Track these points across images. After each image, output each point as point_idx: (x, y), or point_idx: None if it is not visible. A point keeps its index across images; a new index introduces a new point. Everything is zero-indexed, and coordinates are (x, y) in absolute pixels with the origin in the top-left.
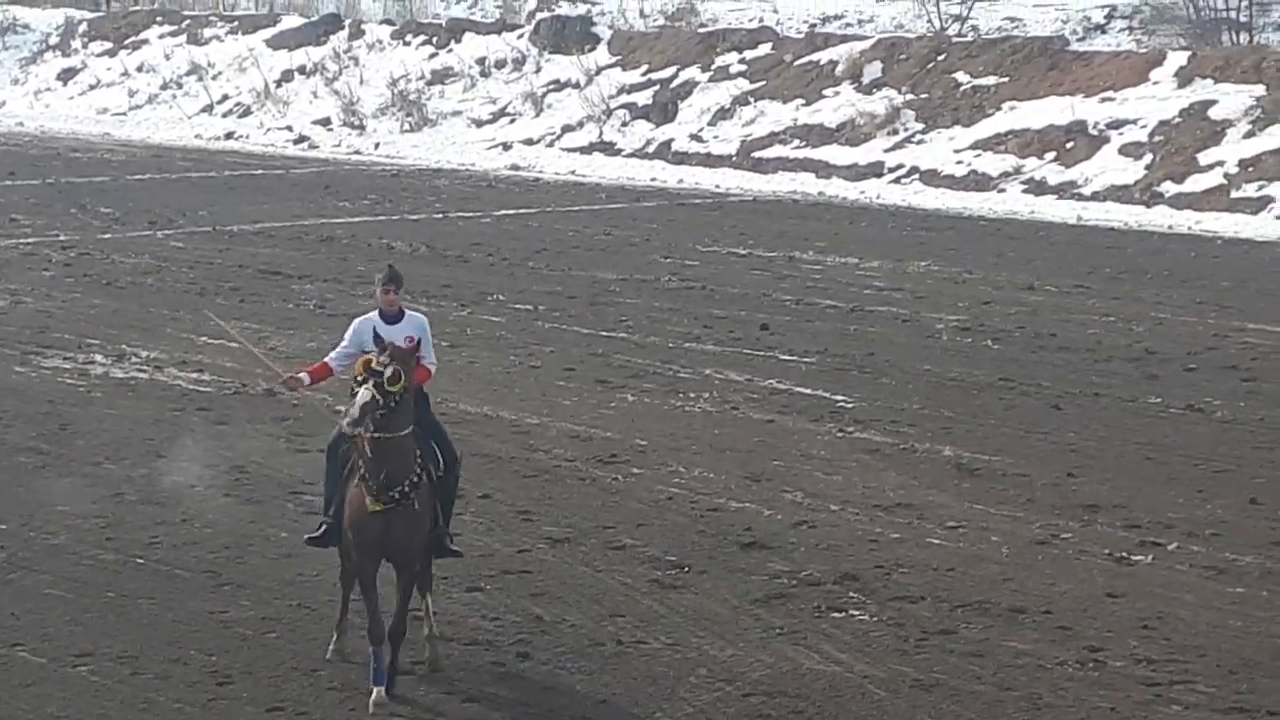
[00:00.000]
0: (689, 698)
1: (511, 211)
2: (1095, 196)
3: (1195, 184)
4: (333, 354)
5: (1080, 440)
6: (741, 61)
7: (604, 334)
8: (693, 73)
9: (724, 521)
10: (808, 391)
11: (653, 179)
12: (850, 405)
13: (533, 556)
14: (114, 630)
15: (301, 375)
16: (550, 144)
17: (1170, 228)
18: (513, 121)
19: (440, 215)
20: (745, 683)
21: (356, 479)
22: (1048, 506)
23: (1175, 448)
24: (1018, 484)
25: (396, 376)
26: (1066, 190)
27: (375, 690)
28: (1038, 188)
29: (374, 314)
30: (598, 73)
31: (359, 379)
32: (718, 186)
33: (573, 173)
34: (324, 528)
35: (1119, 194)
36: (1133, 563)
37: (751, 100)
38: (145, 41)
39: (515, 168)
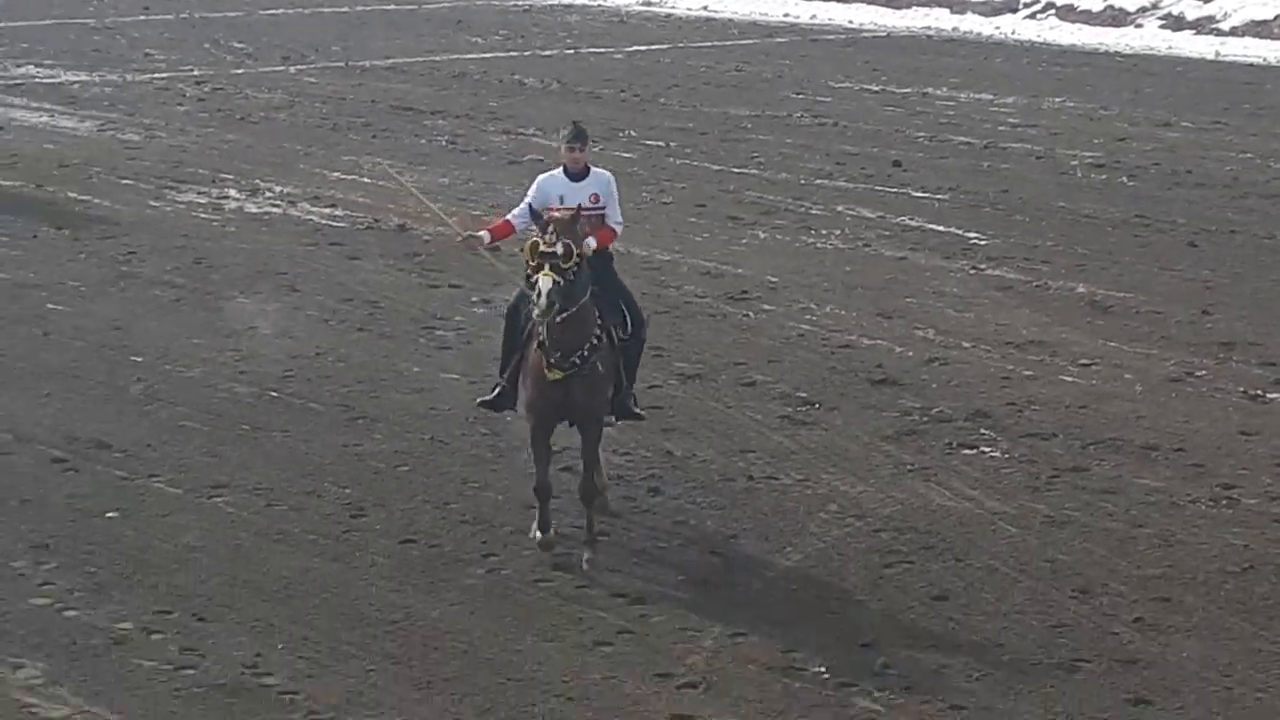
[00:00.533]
0: (819, 533)
1: (643, 47)
2: (1234, 32)
3: None
4: (515, 211)
5: (1216, 277)
6: None
7: (735, 170)
8: None
9: (855, 358)
10: (940, 229)
11: (785, 15)
12: (983, 242)
13: (664, 392)
14: (249, 462)
15: (482, 234)
16: None
17: None
18: None
19: (571, 51)
20: (875, 518)
21: (536, 344)
22: (1182, 344)
23: None
24: (1152, 321)
25: (569, 252)
26: (1205, 25)
27: (536, 533)
28: (1175, 23)
29: (558, 170)
30: None
31: (531, 263)
32: (851, 22)
33: (705, 8)
34: (498, 390)
35: (1258, 29)
36: (1268, 400)
37: None
38: None
39: (647, 3)
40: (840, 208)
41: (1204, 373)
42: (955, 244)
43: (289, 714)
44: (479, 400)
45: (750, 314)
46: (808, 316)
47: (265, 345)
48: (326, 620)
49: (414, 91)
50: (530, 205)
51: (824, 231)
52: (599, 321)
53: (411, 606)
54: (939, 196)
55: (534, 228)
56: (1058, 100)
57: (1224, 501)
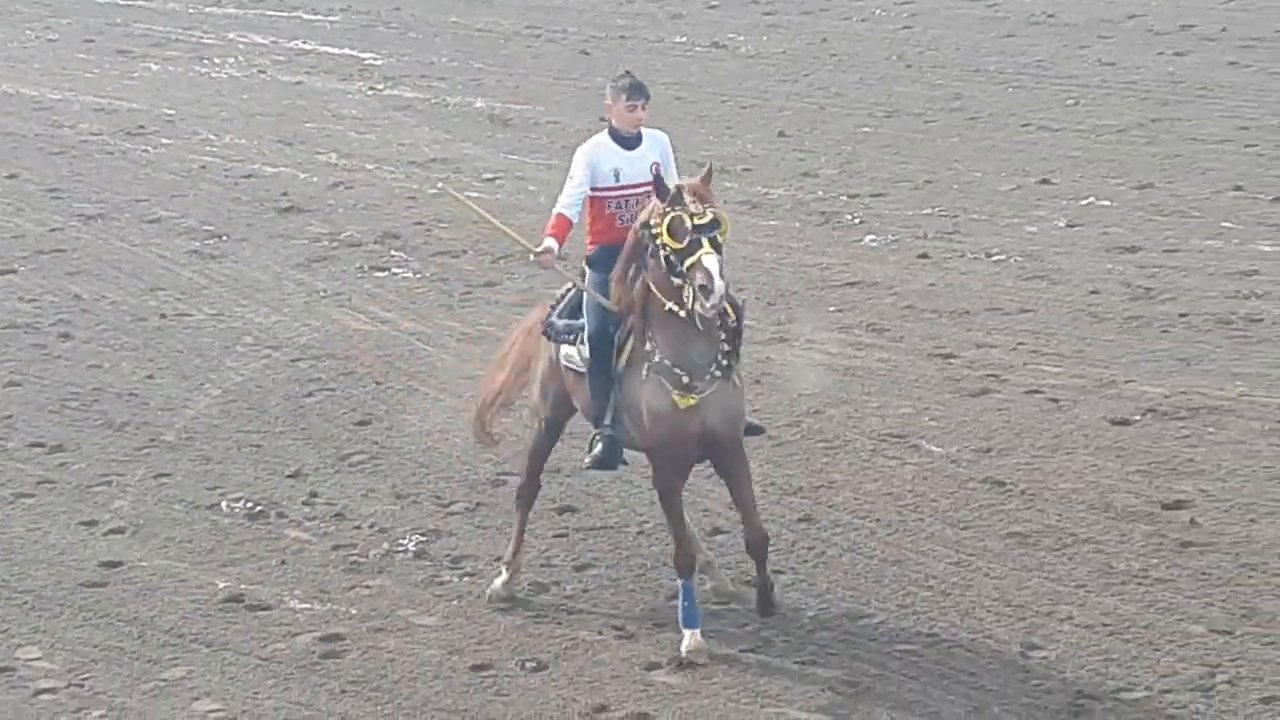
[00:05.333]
0: (236, 366)
1: None
2: None
3: None
4: (564, 199)
5: None
6: None
7: (122, 2)
8: None
9: (260, 187)
10: (335, 50)
11: None
12: (379, 62)
13: (66, 235)
14: None
15: (550, 243)
16: None
17: None
18: None
19: None
20: (293, 348)
21: (645, 371)
22: None
23: (702, 85)
24: (551, 132)
25: (723, 222)
26: None
27: (687, 635)
28: None
29: (603, 135)
30: None
31: (676, 244)
32: None
33: None
34: (607, 440)
35: None
36: None
37: None
38: None
39: None
40: (232, 35)
41: None
42: (351, 65)
43: None
44: (587, 462)
45: (149, 149)
46: (208, 148)
47: None
48: None
49: None
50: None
51: (218, 60)
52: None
53: None
54: (331, 18)
55: (662, 212)
56: None
57: None
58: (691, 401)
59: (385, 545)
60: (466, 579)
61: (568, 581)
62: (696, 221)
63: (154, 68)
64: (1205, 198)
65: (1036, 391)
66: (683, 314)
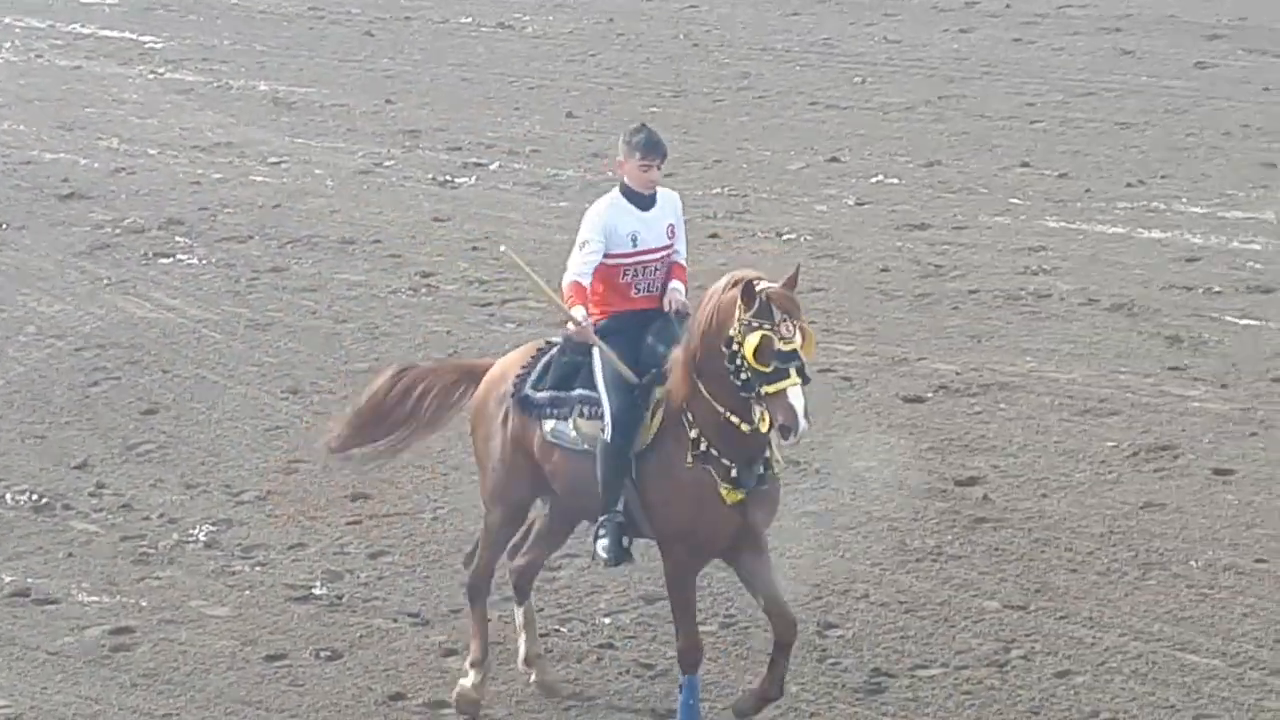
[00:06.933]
0: (19, 356)
1: None
2: None
3: None
4: (577, 267)
5: (396, 65)
6: None
7: None
8: None
9: (40, 174)
10: (114, 34)
11: None
12: (160, 45)
13: None
14: None
15: (579, 313)
16: None
17: None
18: None
19: None
20: (76, 337)
21: (689, 458)
22: (368, 135)
23: (489, 66)
24: (336, 114)
25: (809, 345)
26: None
27: None
28: None
29: (615, 194)
30: None
31: (761, 367)
32: None
33: None
34: (614, 531)
35: None
36: (457, 185)
37: None
38: None
39: None
40: (8, 19)
41: (393, 163)
42: (131, 49)
43: None
44: (604, 557)
45: None
46: None
47: None
48: None
49: None
50: (602, 250)
51: None
52: None
53: None
54: (109, 1)
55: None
56: None
57: (424, 290)
58: (739, 498)
59: (175, 536)
60: (258, 568)
61: (362, 569)
62: (784, 347)
63: None
64: (992, 174)
65: (829, 370)
66: (745, 429)
